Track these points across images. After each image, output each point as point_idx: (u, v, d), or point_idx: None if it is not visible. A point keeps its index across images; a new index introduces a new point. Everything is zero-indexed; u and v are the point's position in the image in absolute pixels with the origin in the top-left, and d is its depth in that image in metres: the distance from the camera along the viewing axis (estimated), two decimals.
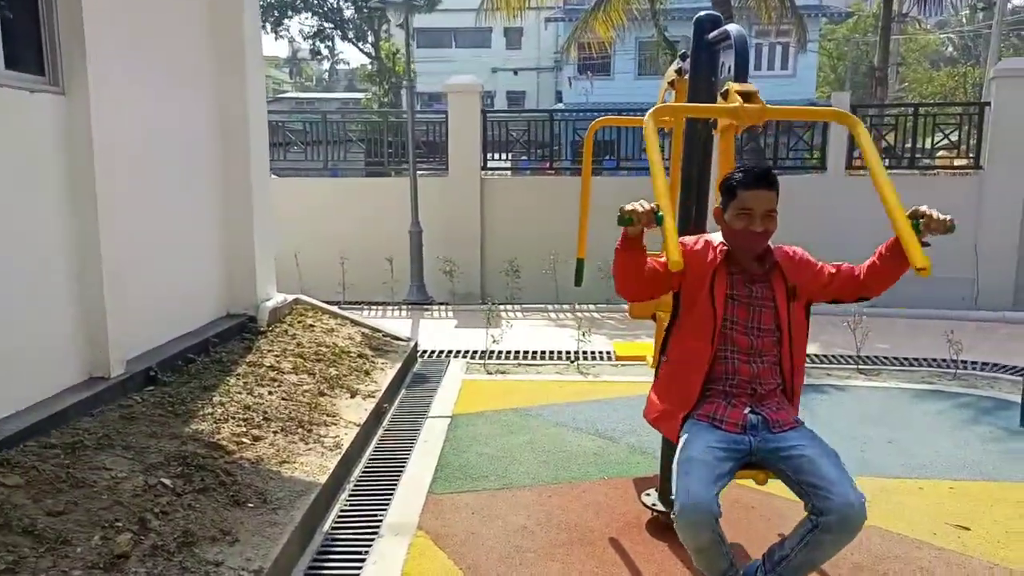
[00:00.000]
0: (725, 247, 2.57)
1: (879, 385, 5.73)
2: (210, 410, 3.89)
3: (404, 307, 9.30)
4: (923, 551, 3.19)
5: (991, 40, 18.31)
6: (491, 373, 6.09)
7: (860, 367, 6.15)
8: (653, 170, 2.42)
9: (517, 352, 6.71)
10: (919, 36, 32.42)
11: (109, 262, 3.94)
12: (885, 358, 6.43)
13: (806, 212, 8.77)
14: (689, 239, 2.65)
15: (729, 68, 2.91)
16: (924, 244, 2.34)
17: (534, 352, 6.74)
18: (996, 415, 4.99)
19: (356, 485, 3.84)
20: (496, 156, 10.75)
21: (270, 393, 4.32)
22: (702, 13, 3.22)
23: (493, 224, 10.18)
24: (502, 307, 9.00)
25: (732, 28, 2.86)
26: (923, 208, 2.38)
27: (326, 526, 3.38)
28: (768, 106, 2.58)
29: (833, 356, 6.44)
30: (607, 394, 5.47)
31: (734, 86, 2.63)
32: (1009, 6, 27.58)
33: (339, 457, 3.77)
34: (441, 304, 9.54)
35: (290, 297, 6.13)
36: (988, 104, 9.46)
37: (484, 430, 4.70)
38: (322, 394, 4.58)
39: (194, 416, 3.79)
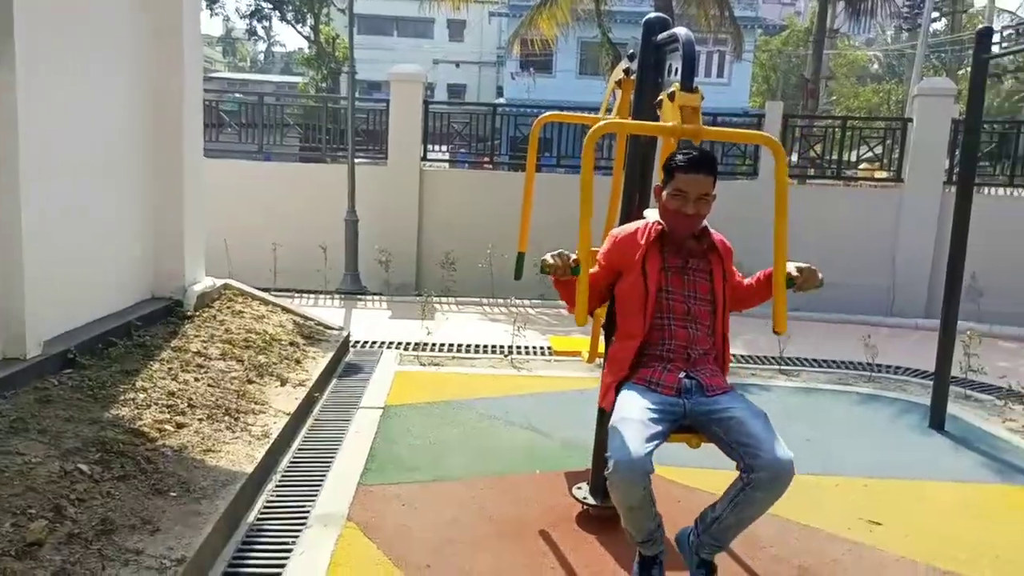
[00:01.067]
0: (660, 225, 2.73)
1: (799, 385, 5.95)
2: (132, 395, 3.75)
3: (337, 296, 9.16)
4: (837, 544, 3.33)
5: (916, 60, 19.17)
6: (425, 365, 6.06)
7: (782, 367, 6.37)
8: (582, 211, 2.53)
9: (451, 345, 6.70)
10: (848, 52, 33.68)
11: (28, 239, 3.75)
12: (805, 359, 6.68)
13: (737, 217, 8.99)
14: (618, 230, 2.83)
15: (676, 70, 2.97)
16: (792, 280, 2.71)
17: (468, 345, 6.74)
18: (907, 416, 5.24)
19: (284, 475, 3.77)
20: (436, 148, 10.69)
21: (196, 379, 4.19)
22: (652, 15, 3.27)
23: (431, 216, 10.13)
24: (437, 300, 8.96)
25: (681, 31, 2.91)
26: (803, 268, 2.70)
27: (252, 516, 3.30)
28: (704, 127, 2.68)
29: (757, 356, 6.65)
30: (541, 388, 5.51)
31: (679, 96, 2.69)
32: (932, 28, 28.95)
33: (267, 446, 3.69)
34: (375, 295, 9.43)
35: (219, 282, 5.96)
36: (910, 120, 9.91)
37: (416, 422, 4.68)
38: (250, 382, 4.47)
39: (115, 401, 3.65)
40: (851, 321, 8.65)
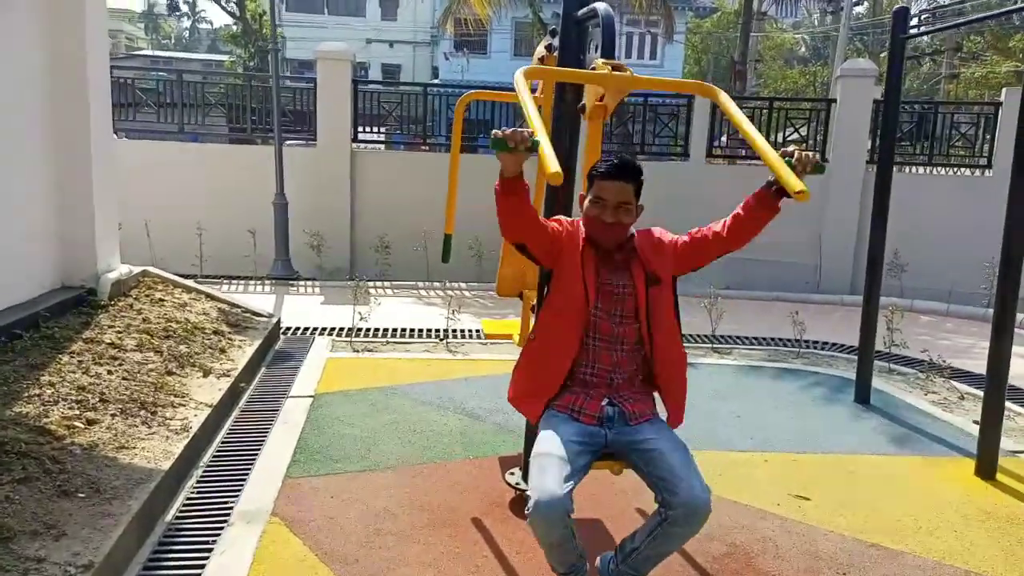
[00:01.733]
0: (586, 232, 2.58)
1: (730, 363, 6.04)
2: (37, 391, 3.52)
3: (268, 282, 8.90)
4: (767, 520, 3.37)
5: (838, 42, 19.67)
6: (358, 351, 5.92)
7: (714, 345, 6.46)
8: (526, 110, 2.32)
9: (385, 330, 6.57)
10: (775, 35, 34.38)
11: None
12: (737, 337, 6.79)
13: (669, 198, 9.06)
14: (564, 218, 2.65)
15: (597, 47, 2.90)
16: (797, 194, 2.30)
17: (403, 330, 6.62)
18: (834, 391, 5.37)
19: (206, 471, 3.61)
20: (368, 129, 10.44)
21: (109, 372, 3.97)
22: None
23: (364, 198, 9.91)
24: (372, 284, 8.78)
25: (600, 6, 2.85)
26: (792, 148, 2.43)
27: (170, 516, 3.14)
28: (636, 76, 2.60)
29: (690, 335, 6.71)
30: (474, 372, 5.44)
31: (601, 62, 2.63)
32: (855, 11, 29.76)
33: (186, 441, 3.52)
34: (308, 280, 9.19)
35: (137, 269, 5.69)
36: (834, 101, 10.14)
37: (347, 410, 4.55)
38: (170, 373, 4.26)
39: (18, 398, 3.42)
40: (781, 299, 8.85)
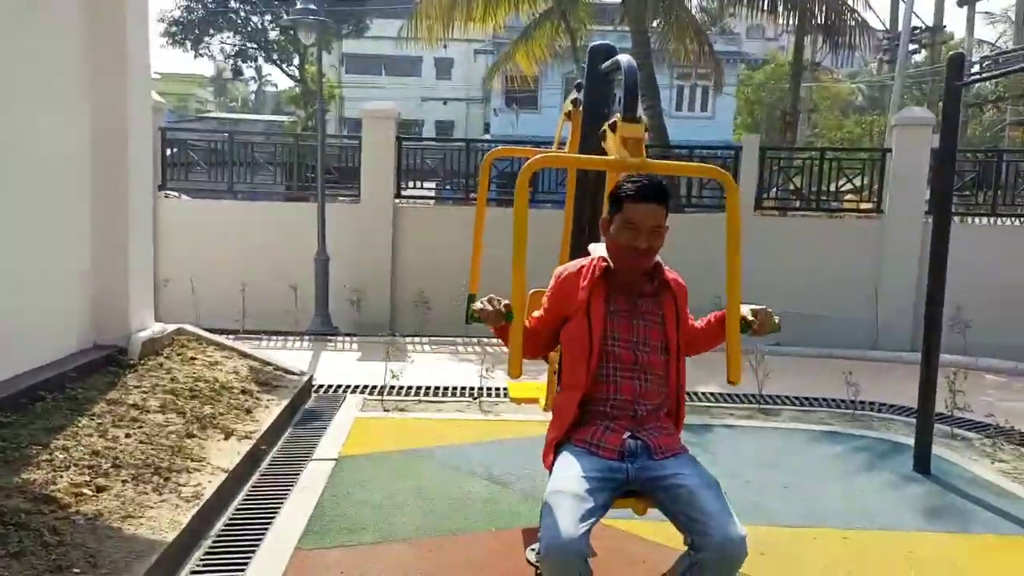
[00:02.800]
0: (605, 262, 2.46)
1: (778, 426, 5.69)
2: (48, 456, 3.47)
3: (307, 338, 8.90)
4: None
5: (893, 90, 19.27)
6: (388, 410, 5.79)
7: (761, 406, 6.12)
8: (515, 256, 2.31)
9: (419, 388, 6.43)
10: (831, 85, 33.99)
11: None
12: (786, 398, 6.42)
13: (715, 250, 8.83)
14: (561, 269, 2.55)
15: (620, 100, 2.78)
16: (748, 325, 2.47)
17: (436, 388, 6.47)
18: (890, 458, 4.98)
19: (215, 541, 3.47)
20: (413, 185, 10.52)
21: (127, 435, 3.91)
22: (596, 43, 3.10)
23: (405, 253, 9.92)
24: (409, 339, 8.72)
25: (623, 59, 2.73)
26: (758, 312, 2.45)
27: None
28: (648, 160, 2.47)
29: (734, 395, 6.39)
30: (506, 434, 5.25)
31: (621, 127, 2.49)
32: (914, 60, 29.27)
33: (196, 509, 3.40)
34: (347, 335, 9.17)
35: (171, 327, 5.70)
36: (889, 150, 9.80)
37: (370, 474, 4.39)
38: (191, 435, 4.19)
39: (29, 463, 3.37)
40: (834, 355, 8.42)
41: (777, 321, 2.48)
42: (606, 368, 2.42)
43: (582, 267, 2.51)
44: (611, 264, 2.46)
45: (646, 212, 2.33)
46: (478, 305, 2.37)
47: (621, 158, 2.45)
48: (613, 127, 2.52)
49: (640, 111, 2.71)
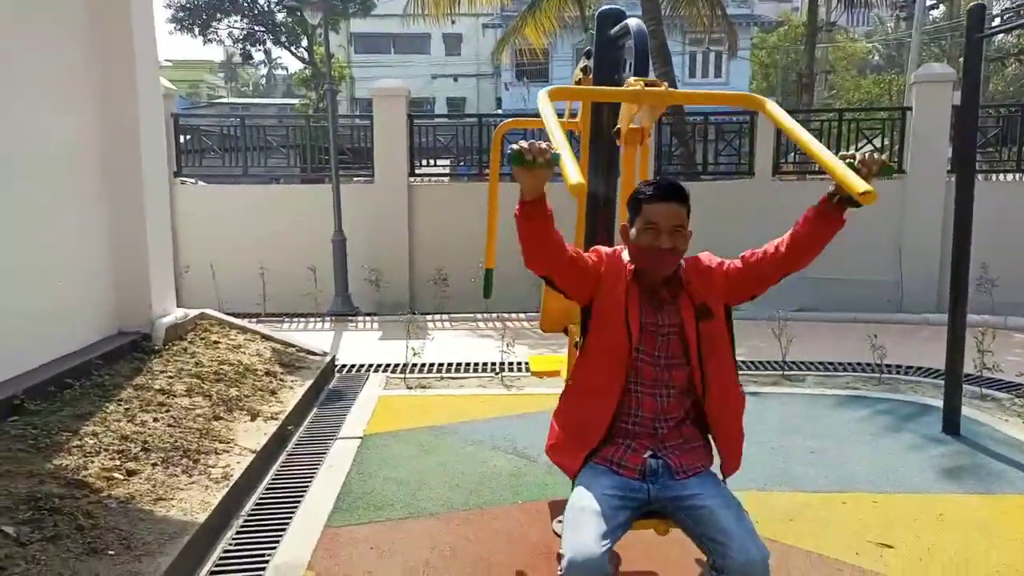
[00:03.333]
0: (632, 267, 2.34)
1: (803, 392, 5.65)
2: (79, 442, 3.51)
3: (328, 319, 8.94)
4: (845, 573, 3.04)
5: (911, 47, 18.85)
6: (411, 388, 5.81)
7: (785, 372, 6.07)
8: (548, 127, 2.15)
9: (440, 365, 6.45)
10: (847, 45, 33.33)
11: None
12: (810, 363, 6.37)
13: (735, 217, 8.75)
14: (605, 248, 2.41)
15: (631, 65, 2.72)
16: (855, 204, 2.19)
17: (458, 364, 6.49)
18: (918, 421, 4.93)
19: (247, 520, 3.51)
20: (427, 163, 10.47)
21: (155, 420, 3.95)
22: (604, 8, 3.03)
23: (422, 232, 9.90)
24: (429, 317, 8.74)
25: (632, 23, 2.68)
26: (852, 151, 2.19)
27: (204, 571, 3.05)
28: (671, 90, 2.39)
29: (758, 362, 6.35)
30: (528, 408, 5.24)
31: (633, 79, 2.44)
32: (932, 15, 28.60)
33: (226, 490, 3.44)
34: (367, 315, 9.21)
35: (193, 312, 5.74)
36: (909, 109, 9.61)
37: (396, 451, 4.42)
38: (217, 418, 4.23)
39: (60, 449, 3.42)
40: (859, 320, 8.33)
41: (884, 157, 2.21)
42: (631, 382, 2.32)
43: (621, 257, 2.38)
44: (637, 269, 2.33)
45: (666, 211, 2.24)
46: (518, 145, 2.00)
47: (641, 88, 2.37)
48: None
49: (650, 76, 2.65)
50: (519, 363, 6.35)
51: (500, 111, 26.98)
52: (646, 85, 2.48)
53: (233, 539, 3.32)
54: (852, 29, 33.59)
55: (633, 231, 2.31)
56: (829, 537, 3.33)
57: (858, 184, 2.02)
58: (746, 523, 2.13)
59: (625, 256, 2.38)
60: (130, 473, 3.37)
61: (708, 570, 2.15)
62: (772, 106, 2.47)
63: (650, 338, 2.31)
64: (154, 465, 3.50)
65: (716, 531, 2.11)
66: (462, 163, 11.01)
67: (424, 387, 5.84)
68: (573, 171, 1.92)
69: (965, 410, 4.81)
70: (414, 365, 6.24)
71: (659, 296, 2.33)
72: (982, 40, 4.59)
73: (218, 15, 27.33)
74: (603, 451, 2.35)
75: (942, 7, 27.18)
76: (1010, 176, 10.11)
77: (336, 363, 6.35)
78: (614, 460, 2.32)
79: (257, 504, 3.68)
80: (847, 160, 2.15)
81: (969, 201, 4.56)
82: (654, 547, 3.21)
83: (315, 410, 5.19)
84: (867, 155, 2.16)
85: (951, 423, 4.67)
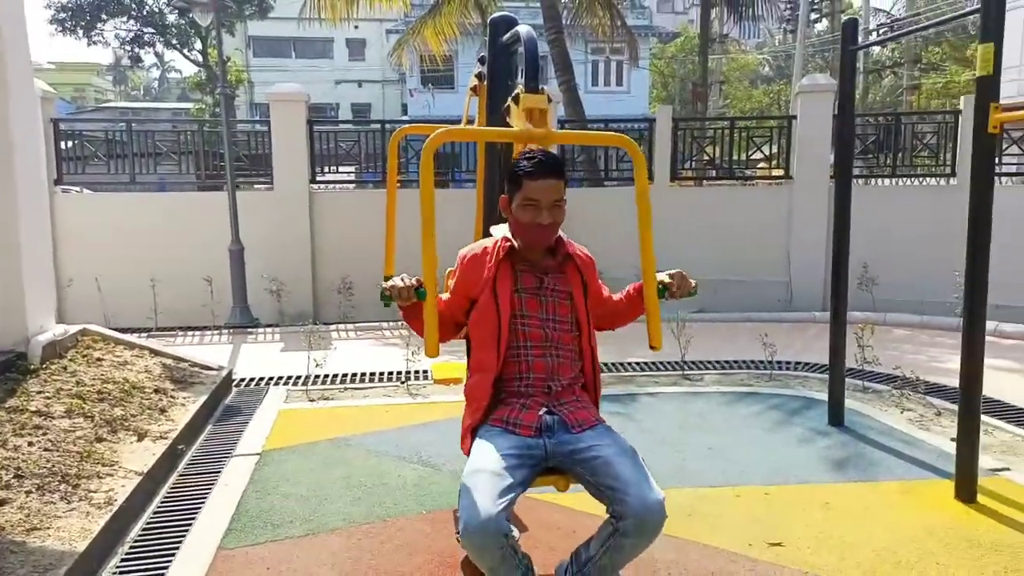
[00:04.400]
0: (509, 242, 2.45)
1: (701, 390, 5.83)
2: None
3: (225, 331, 8.62)
4: (739, 563, 3.14)
5: (795, 59, 19.88)
6: (313, 400, 5.66)
7: (684, 372, 6.25)
8: (424, 231, 2.28)
9: (344, 375, 6.31)
10: (738, 56, 34.82)
11: None
12: (707, 362, 6.59)
13: (633, 222, 8.96)
14: (465, 250, 2.53)
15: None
16: (665, 288, 2.52)
17: (362, 374, 6.37)
18: (806, 415, 5.17)
19: (132, 547, 3.32)
20: (330, 169, 10.25)
21: (30, 444, 3.69)
22: (496, 15, 3.04)
23: (325, 240, 9.69)
24: (333, 327, 8.57)
25: (522, 30, 2.69)
26: (667, 278, 2.49)
27: None
28: (552, 131, 2.46)
29: (659, 363, 6.52)
30: (434, 416, 5.20)
31: (524, 98, 2.46)
32: (816, 29, 30.23)
33: (108, 516, 3.24)
34: (269, 326, 8.93)
35: (74, 328, 5.40)
36: (795, 117, 10.11)
37: (296, 466, 4.29)
38: (100, 440, 3.99)
39: None
40: (752, 319, 8.69)
41: (694, 284, 2.52)
42: (518, 347, 2.42)
43: (486, 248, 2.51)
44: (515, 243, 2.45)
45: (545, 187, 2.34)
46: (389, 283, 2.32)
47: (526, 129, 2.42)
48: (516, 99, 2.48)
49: (553, 84, 2.69)
50: (425, 371, 6.30)
51: (406, 117, 26.75)
52: (529, 109, 2.49)
53: (117, 567, 3.13)
54: (744, 41, 35.13)
55: (514, 206, 2.40)
56: (724, 530, 3.44)
57: (654, 339, 2.49)
58: (642, 469, 2.19)
59: (496, 233, 2.54)
60: (0, 503, 3.14)
61: (607, 521, 2.21)
62: (638, 153, 2.60)
63: (532, 301, 2.43)
64: (28, 492, 3.27)
65: (612, 478, 2.16)
66: (368, 169, 10.85)
67: (327, 399, 5.70)
68: (431, 333, 2.28)
69: (848, 403, 5.07)
70: (317, 377, 6.08)
71: (542, 264, 2.46)
72: (855, 52, 4.87)
73: (103, 16, 25.98)
74: (497, 412, 2.41)
75: (825, 21, 28.78)
76: (887, 181, 10.78)
77: (233, 377, 6.12)
78: (509, 420, 2.37)
79: (144, 529, 3.49)
80: (662, 283, 2.50)
81: (846, 205, 4.82)
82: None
83: (210, 427, 4.98)
84: (677, 278, 2.50)
85: (835, 416, 4.92)
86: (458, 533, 2.06)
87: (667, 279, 2.51)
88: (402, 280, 2.31)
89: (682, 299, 2.56)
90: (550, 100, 2.47)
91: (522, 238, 2.42)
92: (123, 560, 3.19)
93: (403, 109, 33.17)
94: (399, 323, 8.63)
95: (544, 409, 2.37)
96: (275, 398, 5.69)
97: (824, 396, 5.19)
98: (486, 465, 2.18)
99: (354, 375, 6.34)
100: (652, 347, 2.49)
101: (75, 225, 9.10)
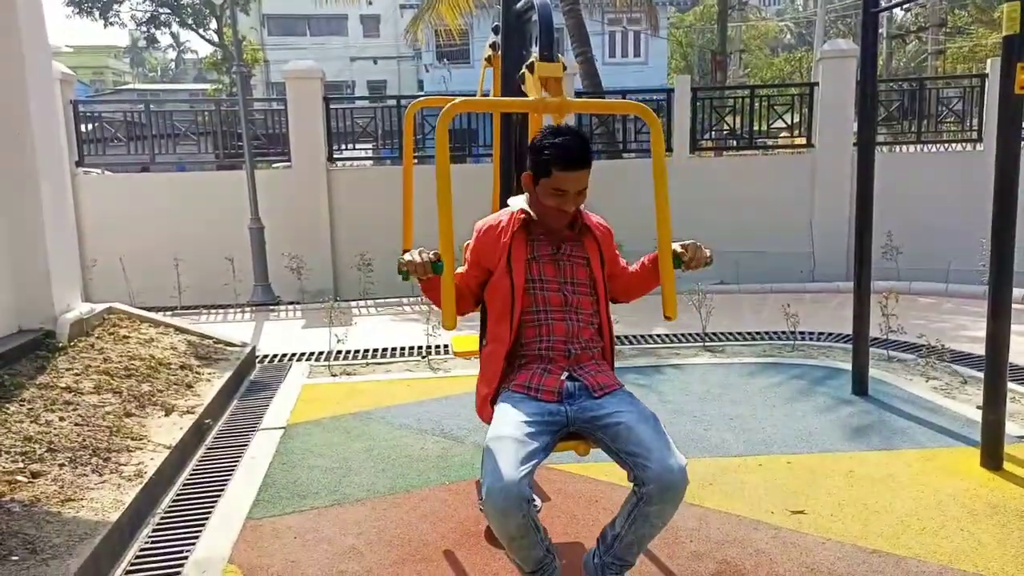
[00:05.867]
0: (524, 213, 2.45)
1: (723, 361, 5.81)
2: None
3: (248, 309, 8.70)
4: (761, 531, 3.14)
5: (817, 24, 19.49)
6: (336, 375, 5.71)
7: (706, 344, 6.23)
8: (439, 201, 2.28)
9: (366, 351, 6.36)
10: (758, 24, 34.22)
11: None
12: (729, 334, 6.56)
13: (651, 194, 8.89)
14: (481, 222, 2.52)
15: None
16: (680, 259, 2.50)
17: (383, 350, 6.41)
18: (829, 384, 5.14)
19: (163, 517, 3.39)
20: (347, 147, 10.26)
21: (61, 419, 3.77)
22: None
23: (343, 217, 9.74)
24: (353, 303, 8.62)
25: None
26: (681, 248, 2.47)
27: (119, 571, 2.93)
28: (568, 100, 2.44)
29: (680, 334, 6.51)
30: (455, 390, 5.23)
31: (539, 67, 2.44)
32: None
33: (139, 488, 3.31)
34: (289, 304, 9.00)
35: (100, 306, 5.48)
36: (816, 84, 9.94)
37: (320, 439, 4.34)
38: (128, 415, 4.06)
39: None
40: (774, 290, 8.62)
41: (708, 254, 2.50)
42: (536, 312, 2.42)
43: (501, 220, 2.50)
44: (532, 215, 2.45)
45: (575, 179, 2.33)
46: (406, 257, 2.32)
47: (539, 99, 2.40)
48: (531, 68, 2.46)
49: (569, 56, 2.66)
50: (445, 346, 6.33)
51: (422, 93, 26.65)
52: (544, 77, 2.47)
53: (149, 537, 3.21)
54: (763, 8, 34.52)
55: (539, 189, 2.38)
56: (746, 499, 3.44)
57: (668, 308, 2.45)
58: (663, 435, 2.20)
59: (509, 209, 2.52)
60: (35, 475, 3.21)
61: (631, 493, 2.21)
62: (657, 129, 2.57)
63: (549, 266, 2.43)
64: (61, 465, 3.34)
65: (634, 444, 2.17)
66: (385, 146, 10.84)
67: (349, 374, 5.76)
68: (448, 305, 2.27)
69: (872, 372, 5.04)
70: (338, 352, 6.14)
71: (559, 234, 2.45)
72: (878, 14, 4.77)
73: None
74: (518, 377, 2.41)
75: None
76: (912, 148, 10.60)
77: (257, 354, 6.19)
78: (531, 385, 2.38)
79: (174, 500, 3.56)
80: (677, 252, 2.48)
81: (870, 173, 4.75)
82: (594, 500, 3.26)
83: (235, 402, 5.05)
84: (692, 248, 2.48)
85: (860, 384, 4.88)
86: (480, 501, 2.08)
87: (680, 250, 2.48)
88: (419, 254, 2.31)
89: (698, 270, 2.53)
90: (565, 69, 2.44)
91: (545, 219, 2.42)
92: (154, 530, 3.27)
93: (419, 85, 33.04)
94: (419, 299, 8.67)
95: (566, 374, 2.37)
96: (298, 373, 5.75)
97: (848, 366, 5.15)
98: (509, 431, 2.19)
99: (375, 350, 6.39)
100: (667, 317, 2.48)
101: (97, 206, 9.20)
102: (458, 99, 2.40)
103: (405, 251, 3.88)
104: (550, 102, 2.38)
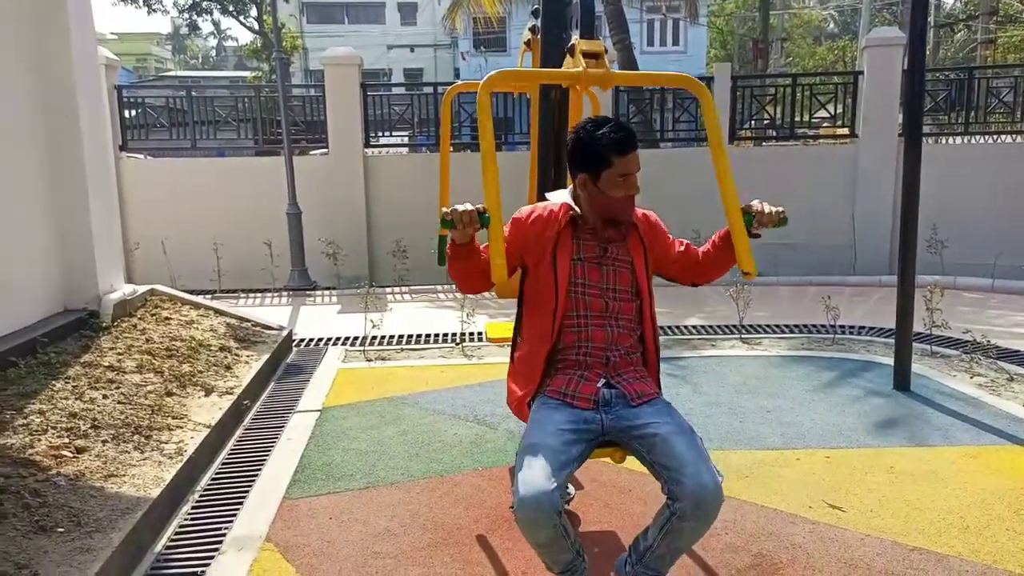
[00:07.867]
0: (572, 210, 2.38)
1: (760, 353, 5.74)
2: (24, 421, 3.41)
3: (285, 294, 8.81)
4: (798, 526, 3.10)
5: (862, 11, 19.04)
6: (370, 360, 5.76)
7: (742, 336, 6.15)
8: (484, 157, 2.23)
9: (400, 336, 6.41)
10: (801, 12, 33.57)
11: None
12: (766, 326, 6.47)
13: (691, 183, 8.79)
14: (523, 211, 2.45)
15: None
16: (755, 236, 2.41)
17: (418, 335, 6.45)
18: (869, 379, 5.05)
19: (202, 495, 3.46)
20: (383, 134, 10.31)
21: (104, 397, 3.85)
22: None
23: (380, 203, 9.78)
24: (388, 289, 8.68)
25: None
26: (756, 203, 2.38)
27: (159, 546, 3.00)
28: (613, 72, 2.39)
29: (716, 326, 6.43)
30: (489, 376, 5.24)
31: (581, 44, 2.41)
32: None
33: (180, 465, 3.37)
34: (326, 289, 9.10)
35: (143, 288, 5.59)
36: (861, 73, 9.71)
37: (355, 423, 4.38)
38: (170, 394, 4.14)
39: (4, 429, 3.31)
40: (814, 283, 8.48)
41: (781, 209, 2.38)
42: (577, 316, 2.36)
43: (553, 211, 2.40)
44: (576, 212, 2.37)
45: (634, 158, 2.28)
46: (448, 208, 2.18)
47: (584, 70, 2.36)
48: (572, 51, 2.44)
49: (607, 44, 2.63)
50: (479, 333, 6.34)
51: (459, 81, 26.68)
52: (586, 51, 2.44)
53: (189, 514, 3.27)
54: None
55: (603, 184, 2.29)
56: (783, 492, 3.40)
57: (743, 262, 2.36)
58: (699, 449, 2.15)
59: (554, 203, 2.44)
60: (79, 450, 3.29)
61: (664, 506, 2.17)
62: (706, 94, 2.52)
63: (594, 270, 2.37)
64: (104, 442, 3.42)
65: (669, 458, 2.13)
66: (421, 134, 10.87)
67: (384, 359, 5.80)
68: (497, 254, 2.17)
69: (915, 367, 4.93)
70: (374, 337, 6.18)
71: (605, 234, 2.38)
72: (927, 2, 4.63)
73: None
74: (555, 382, 2.37)
75: None
76: (959, 139, 10.32)
77: (294, 337, 6.27)
78: (567, 392, 2.34)
79: (213, 479, 3.63)
80: (747, 212, 2.37)
81: (916, 164, 4.63)
82: (614, 504, 3.25)
83: (272, 384, 5.12)
84: (767, 213, 2.37)
85: (901, 380, 4.78)
86: (512, 507, 2.07)
87: (755, 204, 2.38)
88: (465, 207, 2.17)
89: (773, 228, 2.40)
90: (605, 51, 2.41)
91: (614, 215, 2.33)
92: (193, 507, 3.33)
93: (455, 73, 33.02)
94: (453, 286, 8.69)
95: (603, 381, 2.32)
96: (334, 358, 5.81)
97: (889, 360, 5.05)
98: (542, 439, 2.15)
99: (410, 336, 6.42)
100: (745, 273, 2.37)
101: (140, 190, 9.38)
102: (499, 71, 2.37)
103: (441, 236, 3.90)
104: (593, 73, 2.33)
